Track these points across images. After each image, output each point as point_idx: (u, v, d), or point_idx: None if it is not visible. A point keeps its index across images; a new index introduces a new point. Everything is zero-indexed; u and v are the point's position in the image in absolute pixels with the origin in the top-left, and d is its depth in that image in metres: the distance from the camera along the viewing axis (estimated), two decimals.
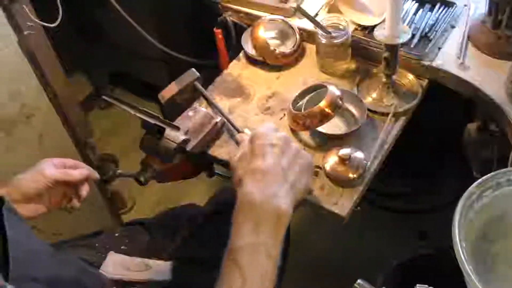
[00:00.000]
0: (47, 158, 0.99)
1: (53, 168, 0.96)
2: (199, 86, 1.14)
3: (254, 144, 0.82)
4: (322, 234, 1.71)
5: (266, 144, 0.80)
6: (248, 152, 0.82)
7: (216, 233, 1.13)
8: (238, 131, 1.06)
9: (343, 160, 0.98)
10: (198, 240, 1.14)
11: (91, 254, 1.07)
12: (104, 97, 1.00)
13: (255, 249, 0.73)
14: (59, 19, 1.27)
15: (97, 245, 1.10)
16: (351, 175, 0.98)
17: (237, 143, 0.95)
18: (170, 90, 1.11)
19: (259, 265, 0.72)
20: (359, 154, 1.01)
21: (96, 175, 1.04)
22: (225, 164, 1.08)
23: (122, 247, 1.11)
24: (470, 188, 0.80)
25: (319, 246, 1.73)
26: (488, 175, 0.81)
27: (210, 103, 1.14)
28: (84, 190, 1.01)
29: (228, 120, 1.10)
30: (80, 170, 1.00)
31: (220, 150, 1.09)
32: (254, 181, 0.77)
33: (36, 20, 1.26)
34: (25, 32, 1.26)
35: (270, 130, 0.84)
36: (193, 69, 1.14)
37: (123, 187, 1.93)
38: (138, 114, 0.97)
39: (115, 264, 1.06)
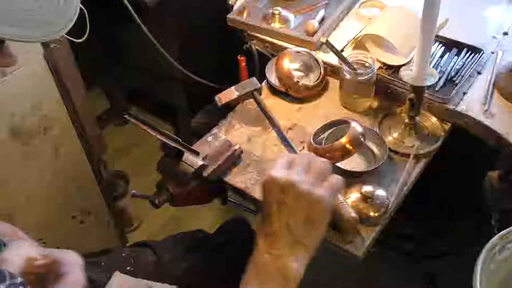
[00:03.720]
0: None
1: None
2: (258, 96, 1.16)
3: (265, 202, 0.78)
4: (329, 274, 1.68)
5: (273, 203, 0.77)
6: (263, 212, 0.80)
7: (224, 263, 1.12)
8: (296, 153, 1.06)
9: (365, 198, 0.96)
10: (204, 269, 1.12)
11: (96, 272, 1.05)
12: (125, 116, 0.99)
13: None
14: (86, 35, 1.29)
15: (103, 264, 1.09)
16: (372, 214, 0.97)
17: None
18: (229, 95, 1.15)
19: None
20: (381, 192, 0.99)
21: None
22: (240, 192, 1.08)
23: (128, 268, 1.10)
24: (493, 239, 0.78)
25: (325, 284, 1.69)
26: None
27: (268, 116, 1.15)
28: None
29: (285, 139, 1.10)
30: None
31: (237, 178, 1.08)
32: (264, 243, 0.76)
33: (64, 35, 1.27)
34: (52, 46, 1.27)
35: (277, 179, 0.77)
36: (255, 79, 1.17)
37: (131, 205, 1.92)
38: (158, 136, 0.97)
39: (119, 285, 1.04)
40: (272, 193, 0.77)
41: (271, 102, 1.22)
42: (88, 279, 1.02)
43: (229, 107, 1.19)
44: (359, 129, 1.02)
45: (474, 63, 1.18)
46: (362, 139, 1.02)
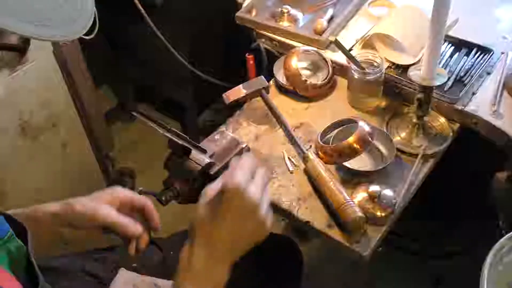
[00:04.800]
0: (111, 193, 0.91)
1: (106, 215, 0.88)
2: (266, 94, 1.16)
3: (222, 208, 0.75)
4: (335, 273, 1.68)
5: (228, 212, 0.75)
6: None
7: None
8: (303, 152, 1.06)
9: (372, 198, 0.96)
10: None
11: (101, 269, 1.06)
12: (133, 113, 0.99)
13: None
14: (95, 32, 1.29)
15: (108, 260, 1.09)
16: (379, 213, 0.96)
17: None
18: (236, 93, 1.15)
19: None
20: (388, 192, 0.99)
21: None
22: None
23: (133, 264, 1.10)
24: (501, 240, 0.78)
25: (331, 285, 1.69)
26: None
27: (275, 115, 1.16)
28: (142, 243, 0.92)
29: (293, 138, 1.11)
30: (136, 227, 0.90)
31: None
32: (206, 248, 0.75)
33: None
34: (61, 43, 1.28)
35: (242, 193, 0.74)
36: (263, 77, 1.18)
37: None
38: (166, 133, 0.97)
39: (125, 282, 1.05)
40: (234, 203, 0.74)
41: (278, 100, 1.22)
42: (93, 275, 1.04)
43: (237, 105, 1.19)
44: (366, 128, 1.02)
45: (484, 63, 1.17)
46: (369, 139, 1.01)
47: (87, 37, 1.29)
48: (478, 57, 1.19)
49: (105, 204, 0.90)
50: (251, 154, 0.86)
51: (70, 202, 0.90)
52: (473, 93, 1.12)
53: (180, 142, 0.97)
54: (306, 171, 1.05)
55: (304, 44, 1.27)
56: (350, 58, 1.13)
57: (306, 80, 1.19)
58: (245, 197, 0.73)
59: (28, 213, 0.89)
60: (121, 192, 0.93)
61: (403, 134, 1.12)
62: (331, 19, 1.32)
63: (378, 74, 1.12)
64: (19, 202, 1.37)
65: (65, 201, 0.91)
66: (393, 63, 1.20)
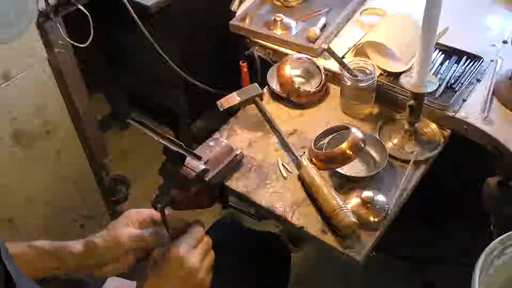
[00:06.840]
0: (127, 216, 0.94)
1: (128, 235, 0.91)
2: (260, 102, 1.18)
3: (156, 268, 0.86)
4: (326, 278, 1.68)
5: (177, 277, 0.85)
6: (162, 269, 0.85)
7: (218, 259, 1.12)
8: (297, 159, 1.08)
9: (365, 203, 0.97)
10: None
11: (91, 276, 1.06)
12: (128, 120, 1.00)
13: None
14: (90, 40, 1.30)
15: None
16: (372, 219, 0.97)
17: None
18: (230, 100, 1.16)
19: None
20: (381, 198, 1.00)
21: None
22: (241, 197, 1.08)
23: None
24: (492, 243, 0.79)
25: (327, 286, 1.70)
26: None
27: (269, 122, 1.17)
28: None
29: (286, 144, 1.12)
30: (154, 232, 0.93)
31: (238, 183, 1.09)
32: None
33: (68, 39, 1.29)
34: (56, 50, 1.28)
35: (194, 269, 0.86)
36: (256, 84, 1.19)
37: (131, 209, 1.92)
38: (161, 140, 0.97)
39: None
40: (173, 268, 0.85)
41: (272, 107, 1.23)
42: (80, 281, 1.04)
43: (231, 112, 1.20)
44: (359, 135, 1.03)
45: (474, 70, 1.19)
46: (362, 145, 1.03)
47: (81, 45, 1.30)
48: (468, 64, 1.21)
49: (123, 227, 0.91)
50: (201, 226, 0.94)
51: (90, 240, 0.91)
52: (464, 100, 1.14)
53: (175, 149, 0.98)
54: (300, 177, 1.07)
55: (297, 51, 1.28)
56: (343, 65, 1.15)
57: (299, 88, 1.21)
58: (184, 263, 0.85)
59: (49, 250, 0.90)
60: (136, 213, 0.95)
61: (395, 141, 1.13)
62: (324, 27, 1.33)
63: (370, 82, 1.14)
64: (12, 208, 1.38)
65: (84, 239, 0.91)
66: (385, 71, 1.22)
